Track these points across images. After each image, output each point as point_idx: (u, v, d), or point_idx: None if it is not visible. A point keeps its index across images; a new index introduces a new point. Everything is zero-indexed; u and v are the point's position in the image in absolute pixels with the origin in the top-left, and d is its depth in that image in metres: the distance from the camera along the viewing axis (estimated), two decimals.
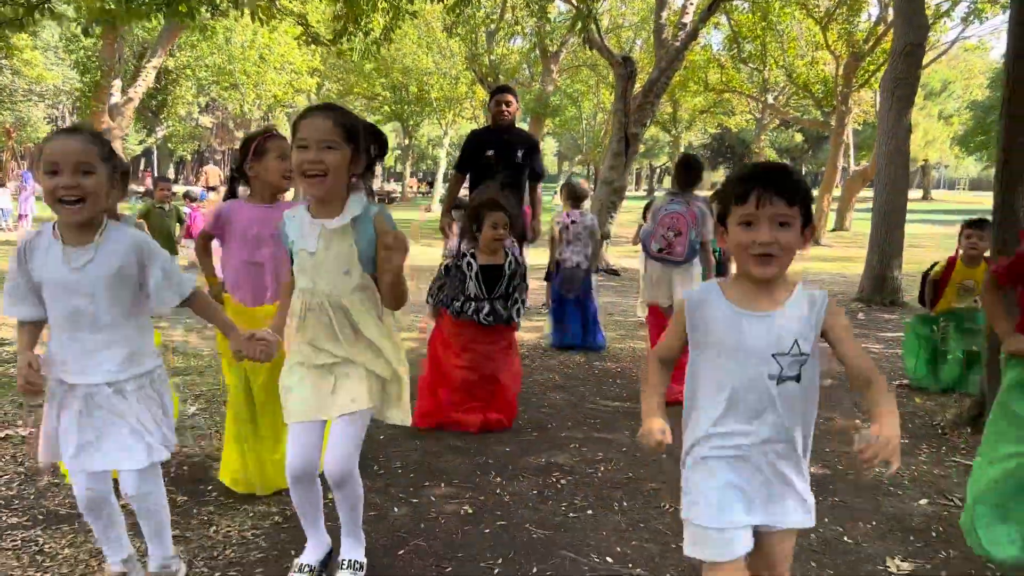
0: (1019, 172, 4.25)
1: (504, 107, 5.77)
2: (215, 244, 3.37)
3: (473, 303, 4.29)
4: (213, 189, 29.11)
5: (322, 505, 2.53)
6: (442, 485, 3.43)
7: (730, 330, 1.86)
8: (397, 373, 2.48)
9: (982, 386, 4.49)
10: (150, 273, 2.28)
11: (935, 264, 5.59)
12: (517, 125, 6.01)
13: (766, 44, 23.44)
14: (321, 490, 2.49)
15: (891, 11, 16.05)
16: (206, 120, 53.18)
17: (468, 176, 5.89)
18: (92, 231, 2.21)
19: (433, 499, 3.28)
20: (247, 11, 5.81)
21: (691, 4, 13.00)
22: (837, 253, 18.62)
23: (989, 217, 4.68)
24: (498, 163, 5.65)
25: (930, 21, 18.41)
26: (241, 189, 3.34)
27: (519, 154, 5.77)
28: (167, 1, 4.86)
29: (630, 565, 2.76)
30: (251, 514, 3.09)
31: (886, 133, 9.71)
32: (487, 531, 3.00)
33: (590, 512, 3.23)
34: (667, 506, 3.27)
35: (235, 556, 2.76)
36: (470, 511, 3.18)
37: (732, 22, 22.81)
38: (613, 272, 13.12)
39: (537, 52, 25.21)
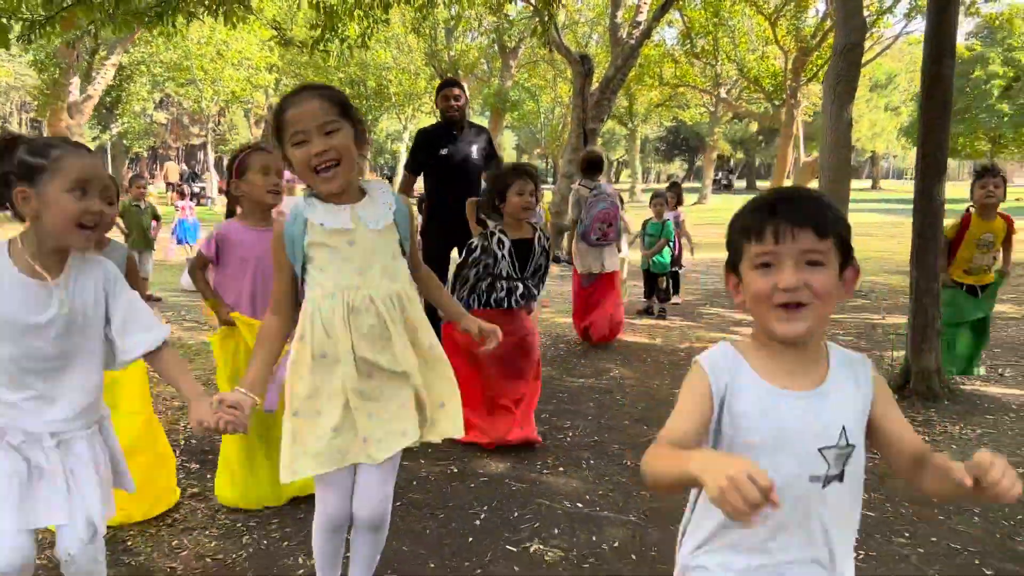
0: (934, 165, 4.78)
1: (452, 101, 5.43)
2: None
3: (505, 283, 3.87)
4: (171, 185, 28.97)
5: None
6: (429, 450, 3.83)
7: (764, 417, 1.39)
8: (448, 378, 2.21)
9: (907, 357, 5.01)
10: (115, 311, 1.96)
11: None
12: (470, 118, 5.79)
13: (718, 39, 24.13)
14: None
15: None
16: (160, 116, 52.60)
17: (424, 176, 5.64)
18: (62, 260, 1.88)
19: (422, 462, 3.69)
20: (221, 15, 6.09)
21: (644, 4, 13.50)
22: None
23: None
24: (453, 160, 5.42)
25: (873, 17, 19.25)
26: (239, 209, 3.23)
27: (474, 151, 5.51)
28: (158, 13, 5.15)
29: (598, 508, 3.19)
30: None
31: (829, 127, 10.28)
32: (472, 485, 3.42)
33: (561, 469, 3.66)
34: (628, 462, 3.71)
35: (252, 509, 3.13)
36: (455, 470, 3.60)
37: (685, 18, 23.45)
38: (570, 262, 13.58)
39: (496, 48, 25.58)
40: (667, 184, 9.46)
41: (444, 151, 5.44)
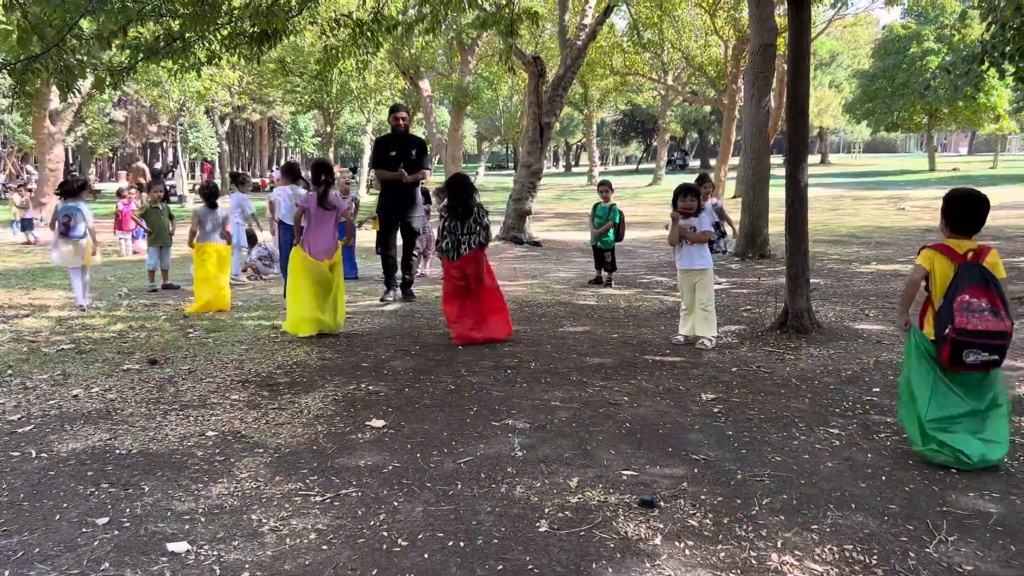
0: (799, 157, 6.35)
1: (401, 121, 8.29)
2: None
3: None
4: (141, 188, 29.67)
5: None
6: (432, 377, 5.33)
7: None
8: None
9: (786, 301, 6.60)
10: None
11: None
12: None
13: (663, 30, 25.71)
14: None
15: None
16: (119, 115, 52.97)
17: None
18: None
19: (428, 384, 5.18)
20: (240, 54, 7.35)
21: (589, 7, 14.99)
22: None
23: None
24: (400, 159, 8.13)
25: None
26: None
27: (413, 153, 8.29)
28: (208, 57, 6.44)
29: (554, 403, 4.72)
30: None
31: (749, 116, 11.89)
32: (466, 395, 4.93)
33: (526, 385, 5.16)
34: (574, 378, 5.24)
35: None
36: (452, 388, 5.09)
37: (632, 10, 24.96)
38: (536, 243, 15.12)
39: (454, 44, 26.87)
40: (697, 177, 9.89)
41: (393, 153, 8.22)
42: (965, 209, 3.72)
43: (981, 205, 3.72)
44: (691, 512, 3.23)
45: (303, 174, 9.67)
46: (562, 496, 3.39)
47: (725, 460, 3.80)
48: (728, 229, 11.87)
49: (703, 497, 3.37)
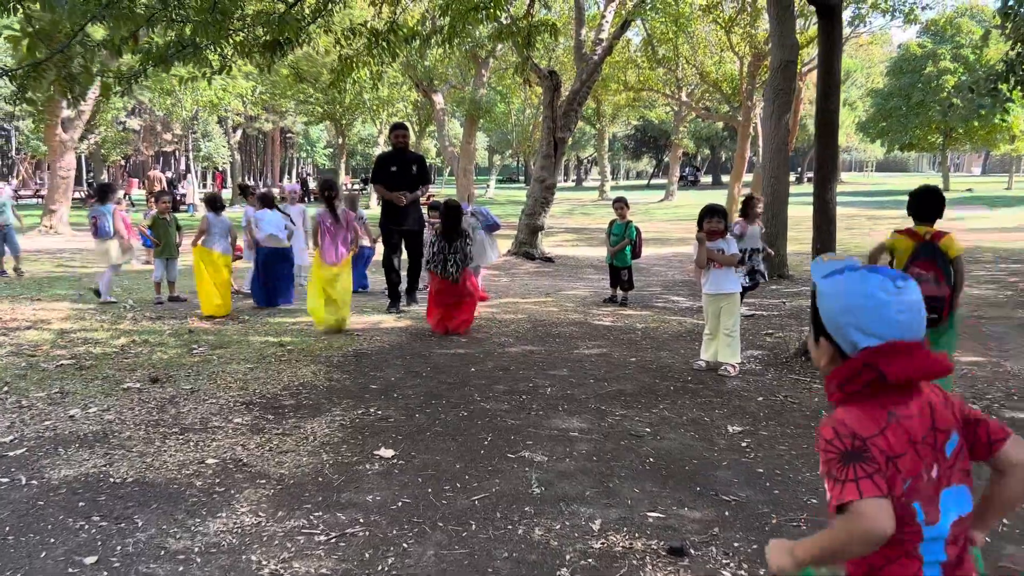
0: (828, 176, 6.12)
1: (401, 138, 8.59)
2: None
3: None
4: (154, 195, 29.56)
5: None
6: (444, 402, 5.10)
7: None
8: None
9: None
10: None
11: None
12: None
13: (678, 46, 25.50)
14: None
15: None
16: (134, 123, 53.09)
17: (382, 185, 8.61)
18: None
19: (440, 409, 4.95)
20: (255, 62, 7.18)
21: (606, 22, 14.80)
22: None
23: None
24: (400, 175, 8.42)
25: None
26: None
27: (413, 168, 8.59)
28: (220, 66, 6.27)
29: (572, 433, 4.48)
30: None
31: (769, 134, 11.65)
32: (479, 422, 4.69)
33: (541, 413, 4.93)
34: (592, 406, 4.99)
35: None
36: (465, 414, 4.86)
37: (647, 26, 24.76)
38: (548, 259, 14.88)
39: (469, 57, 26.75)
40: (745, 197, 9.65)
41: (393, 168, 8.48)
42: (922, 201, 4.55)
43: (934, 196, 4.56)
44: (724, 562, 2.99)
45: (300, 192, 10.51)
46: (584, 540, 3.16)
47: (757, 502, 3.56)
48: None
49: (736, 544, 3.13)
